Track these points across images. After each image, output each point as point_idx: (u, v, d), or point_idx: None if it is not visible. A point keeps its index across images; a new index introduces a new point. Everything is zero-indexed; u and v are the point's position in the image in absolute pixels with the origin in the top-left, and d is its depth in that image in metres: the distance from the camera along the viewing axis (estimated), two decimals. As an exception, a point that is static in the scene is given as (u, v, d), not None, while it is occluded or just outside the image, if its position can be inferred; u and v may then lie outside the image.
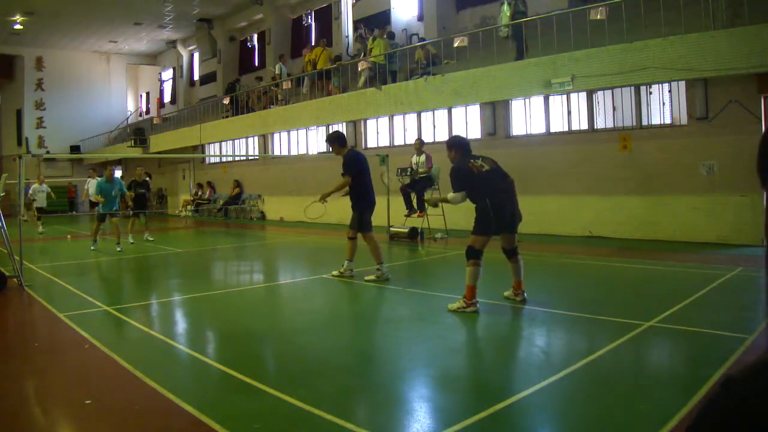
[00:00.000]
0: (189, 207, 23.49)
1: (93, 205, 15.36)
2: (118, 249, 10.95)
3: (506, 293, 5.75)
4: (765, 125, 9.16)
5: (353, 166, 7.03)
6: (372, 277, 7.10)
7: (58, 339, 4.92)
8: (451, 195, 5.58)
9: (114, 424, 3.08)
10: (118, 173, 29.19)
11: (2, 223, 7.18)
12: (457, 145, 5.64)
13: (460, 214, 11.20)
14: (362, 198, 7.15)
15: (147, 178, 13.36)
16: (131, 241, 12.12)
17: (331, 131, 7.72)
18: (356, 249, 7.37)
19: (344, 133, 7.67)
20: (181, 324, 5.71)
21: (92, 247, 11.24)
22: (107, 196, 11.06)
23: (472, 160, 5.44)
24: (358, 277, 7.34)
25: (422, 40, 15.14)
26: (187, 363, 4.20)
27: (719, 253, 8.71)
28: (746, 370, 0.68)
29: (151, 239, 12.65)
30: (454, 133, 14.07)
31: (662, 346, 4.42)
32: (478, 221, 5.31)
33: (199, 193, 23.19)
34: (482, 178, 5.35)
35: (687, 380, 3.51)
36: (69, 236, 14.59)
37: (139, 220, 12.67)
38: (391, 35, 15.42)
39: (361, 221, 7.18)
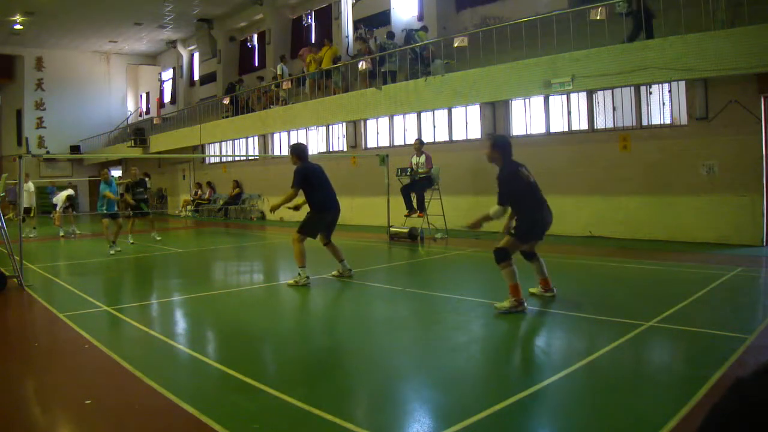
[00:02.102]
0: (189, 207, 23.48)
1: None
2: (118, 249, 10.94)
3: (533, 290, 5.77)
4: (765, 125, 9.15)
5: (297, 179, 6.99)
6: (292, 281, 7.01)
7: (58, 339, 4.92)
8: (494, 210, 5.24)
9: (114, 424, 3.08)
10: (117, 173, 29.31)
11: (2, 223, 7.19)
12: (502, 146, 5.34)
13: (461, 214, 11.21)
14: (318, 206, 7.06)
15: (146, 177, 13.33)
16: (131, 241, 12.13)
17: (295, 142, 7.71)
18: (338, 248, 7.37)
19: (306, 146, 7.66)
20: (180, 324, 5.71)
21: (117, 249, 10.88)
22: (108, 197, 11.05)
23: (520, 168, 5.30)
24: (358, 277, 7.34)
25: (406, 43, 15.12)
26: (187, 363, 4.20)
27: (719, 253, 8.71)
28: (756, 372, 0.68)
29: (159, 238, 12.62)
30: (454, 132, 14.10)
31: (662, 346, 4.42)
32: (521, 229, 5.26)
33: (199, 193, 23.19)
34: (531, 190, 5.28)
35: (687, 380, 3.50)
36: (73, 236, 14.57)
37: (139, 220, 12.69)
38: (391, 35, 15.40)
39: (308, 223, 7.06)
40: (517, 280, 5.14)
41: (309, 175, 7.08)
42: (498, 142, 5.40)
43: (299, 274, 6.98)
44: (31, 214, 15.48)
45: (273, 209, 7.13)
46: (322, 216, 7.12)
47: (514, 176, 5.21)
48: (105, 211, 11.19)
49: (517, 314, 5.08)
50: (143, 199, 12.53)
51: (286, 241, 13.57)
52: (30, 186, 15.38)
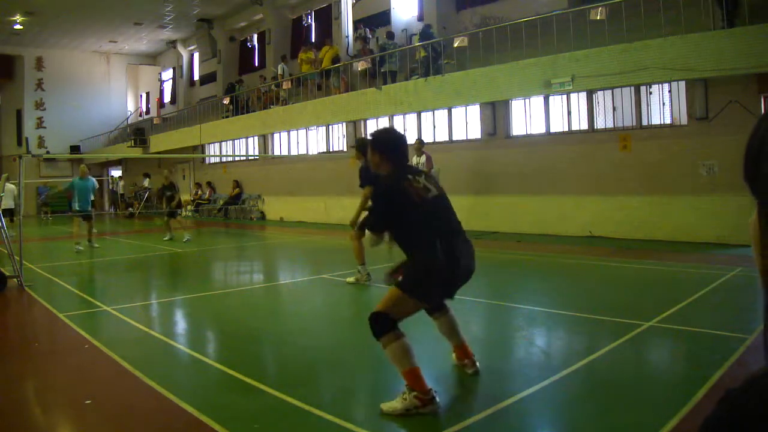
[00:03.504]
0: (189, 207, 23.46)
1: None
2: (96, 245, 11.22)
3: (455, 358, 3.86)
4: (753, 128, 9.12)
5: (365, 177, 6.72)
6: (352, 279, 6.98)
7: (58, 339, 4.92)
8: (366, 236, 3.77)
9: (114, 424, 3.08)
10: (117, 173, 29.28)
11: (2, 223, 7.19)
12: (383, 144, 3.46)
13: (461, 214, 11.19)
14: None
15: (148, 176, 13.49)
16: (166, 238, 12.78)
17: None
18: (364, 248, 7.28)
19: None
20: (180, 324, 5.71)
21: (96, 246, 11.22)
22: (82, 194, 11.08)
23: (410, 176, 3.33)
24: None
25: (422, 40, 15.13)
26: (187, 363, 4.20)
27: (719, 253, 8.70)
28: (746, 383, 0.67)
29: (185, 240, 12.63)
30: (454, 132, 14.09)
31: (662, 346, 4.42)
32: (412, 277, 3.25)
33: (199, 193, 23.18)
34: (428, 207, 3.30)
35: (687, 380, 3.51)
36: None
37: (168, 219, 13.12)
38: (391, 35, 15.40)
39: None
40: (415, 360, 3.07)
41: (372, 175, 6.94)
42: (381, 141, 3.48)
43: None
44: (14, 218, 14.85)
45: (353, 225, 6.77)
46: None
47: (388, 189, 3.34)
48: (78, 210, 11.24)
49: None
50: (172, 201, 12.92)
51: (285, 241, 13.59)
52: (12, 187, 13.78)
